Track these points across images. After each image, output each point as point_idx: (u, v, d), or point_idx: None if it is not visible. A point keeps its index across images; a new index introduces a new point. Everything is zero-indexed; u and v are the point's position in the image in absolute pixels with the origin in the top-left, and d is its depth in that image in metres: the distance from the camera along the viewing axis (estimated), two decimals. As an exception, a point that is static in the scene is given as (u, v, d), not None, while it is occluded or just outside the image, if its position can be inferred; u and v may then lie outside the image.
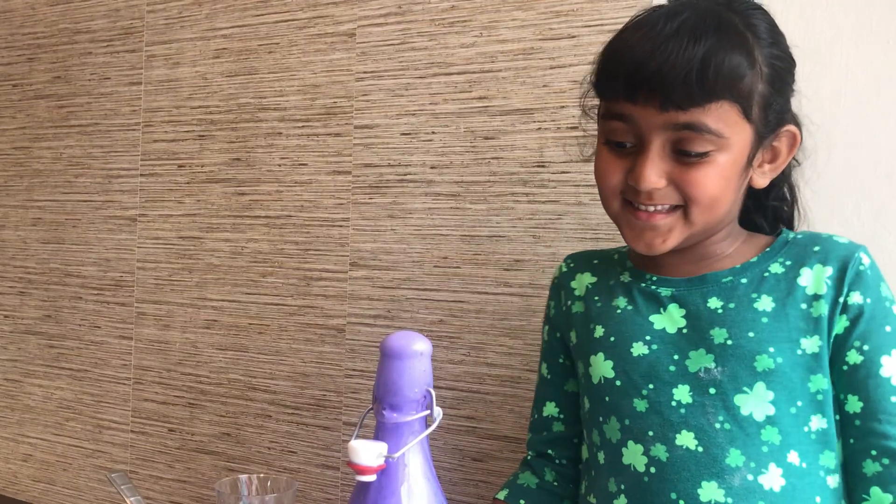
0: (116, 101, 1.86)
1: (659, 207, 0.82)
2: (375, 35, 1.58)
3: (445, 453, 1.52)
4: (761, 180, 0.85)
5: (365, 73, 1.59)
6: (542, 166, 1.44)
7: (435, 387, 1.49)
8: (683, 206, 0.81)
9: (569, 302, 0.98)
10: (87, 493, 1.89)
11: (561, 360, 1.00)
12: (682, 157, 0.79)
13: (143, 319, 1.82)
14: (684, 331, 0.84)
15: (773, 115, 0.82)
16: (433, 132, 1.53)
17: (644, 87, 0.77)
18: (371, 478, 0.59)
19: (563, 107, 1.42)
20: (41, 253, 1.95)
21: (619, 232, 0.94)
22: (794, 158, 0.90)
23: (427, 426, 0.61)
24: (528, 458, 1.08)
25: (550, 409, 1.00)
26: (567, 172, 1.42)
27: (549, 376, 1.01)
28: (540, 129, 1.44)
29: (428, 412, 0.62)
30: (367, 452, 0.59)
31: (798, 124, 0.87)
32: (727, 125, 0.77)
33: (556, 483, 1.01)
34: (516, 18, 1.46)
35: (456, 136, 1.51)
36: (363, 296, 1.59)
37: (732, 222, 0.89)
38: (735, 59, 0.76)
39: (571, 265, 1.03)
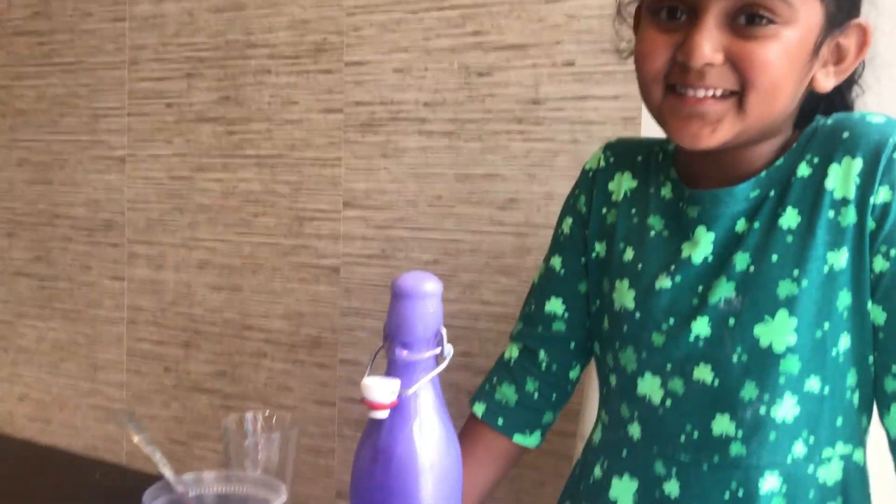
0: (100, 37, 1.82)
1: (710, 92, 0.73)
2: (366, -32, 1.55)
3: (441, 389, 1.53)
4: (825, 82, 0.77)
5: (356, 7, 1.56)
6: (538, 103, 1.42)
7: (430, 325, 1.50)
8: (739, 93, 0.73)
9: (604, 210, 0.90)
10: (84, 432, 1.91)
11: (582, 260, 0.91)
12: (743, 29, 0.71)
13: (135, 260, 1.81)
14: (709, 259, 0.80)
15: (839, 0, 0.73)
16: (426, 69, 1.51)
17: None
18: (384, 414, 0.60)
19: (558, 42, 1.40)
20: (28, 194, 1.93)
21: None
22: (861, 64, 0.81)
23: (438, 364, 0.62)
24: (511, 357, 0.98)
25: (556, 305, 0.93)
26: (562, 110, 1.40)
27: (562, 272, 0.92)
28: (535, 65, 1.42)
29: (439, 350, 0.62)
30: (381, 389, 0.59)
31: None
32: None
33: (536, 396, 0.95)
34: (510, -49, 1.43)
35: (450, 72, 1.49)
36: (357, 235, 1.59)
37: (783, 131, 0.80)
38: None
39: (612, 160, 0.92)
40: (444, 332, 0.62)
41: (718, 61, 0.72)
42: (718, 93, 0.73)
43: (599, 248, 0.90)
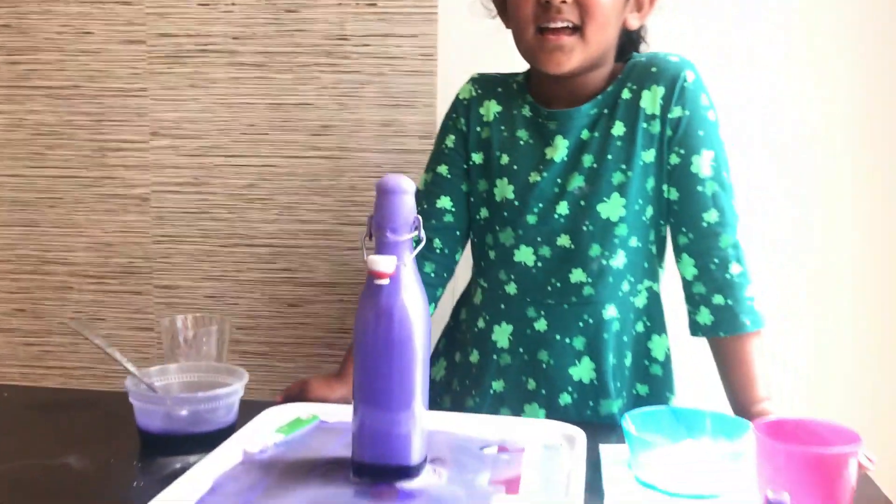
0: None
1: (562, 24, 1.00)
2: None
3: (264, 303, 1.68)
4: (633, 22, 1.08)
5: (154, -60, 1.58)
6: (344, 39, 1.59)
7: (250, 245, 1.63)
8: (581, 28, 1.01)
9: (478, 128, 1.14)
10: None
11: (465, 166, 1.15)
12: None
13: None
14: (565, 159, 1.07)
15: None
16: (233, 3, 1.60)
17: None
18: (386, 281, 0.78)
19: (362, -15, 1.57)
20: None
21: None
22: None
23: (416, 244, 0.81)
24: None
25: (445, 202, 1.14)
26: (368, 45, 1.59)
27: (448, 176, 1.15)
28: (340, 4, 1.58)
29: (416, 233, 0.81)
30: (385, 262, 0.77)
31: None
32: None
33: (433, 275, 1.15)
34: None
35: (257, 7, 1.59)
36: (168, 164, 1.65)
37: (609, 62, 1.09)
38: None
39: (479, 91, 1.16)
40: (420, 219, 0.81)
41: (569, 0, 1.00)
42: (570, 27, 1.02)
43: (476, 157, 1.15)
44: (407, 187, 0.81)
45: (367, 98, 1.60)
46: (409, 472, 0.81)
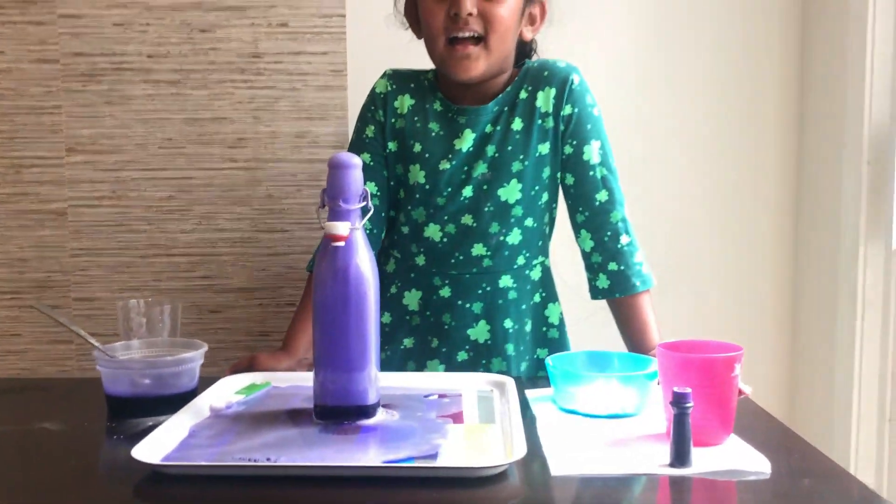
0: None
1: (469, 34, 1.14)
2: (77, -73, 1.64)
3: (184, 312, 1.72)
4: (527, 34, 1.24)
5: (67, -37, 1.65)
6: (258, 57, 1.69)
7: (168, 255, 1.69)
8: (485, 39, 1.15)
9: (392, 120, 1.27)
10: None
11: (383, 153, 1.28)
12: None
13: None
14: (471, 149, 1.22)
15: None
16: (148, 24, 1.67)
17: None
18: (342, 243, 0.89)
19: (272, 6, 1.68)
20: None
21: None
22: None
23: (365, 213, 0.93)
24: None
25: (371, 187, 1.25)
26: (281, 63, 1.69)
27: (371, 163, 1.26)
28: (253, 24, 1.68)
29: (364, 203, 0.93)
30: (341, 226, 0.89)
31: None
32: None
33: None
34: (223, -75, 1.66)
35: (171, 27, 1.68)
36: (84, 179, 1.69)
37: (508, 69, 1.23)
38: None
39: (394, 86, 1.29)
40: (367, 190, 0.93)
41: (475, 13, 1.15)
42: (475, 37, 1.16)
43: (392, 145, 1.28)
44: (356, 162, 0.92)
45: (281, 112, 1.70)
46: (367, 411, 0.92)
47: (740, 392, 0.90)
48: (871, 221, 1.51)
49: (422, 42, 1.26)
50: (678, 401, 0.77)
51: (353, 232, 0.91)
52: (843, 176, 1.58)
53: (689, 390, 0.78)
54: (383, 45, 1.66)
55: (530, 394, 1.05)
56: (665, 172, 1.77)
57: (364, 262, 0.92)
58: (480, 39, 1.17)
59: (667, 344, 0.89)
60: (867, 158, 1.51)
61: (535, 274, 1.29)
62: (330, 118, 1.70)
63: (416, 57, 1.34)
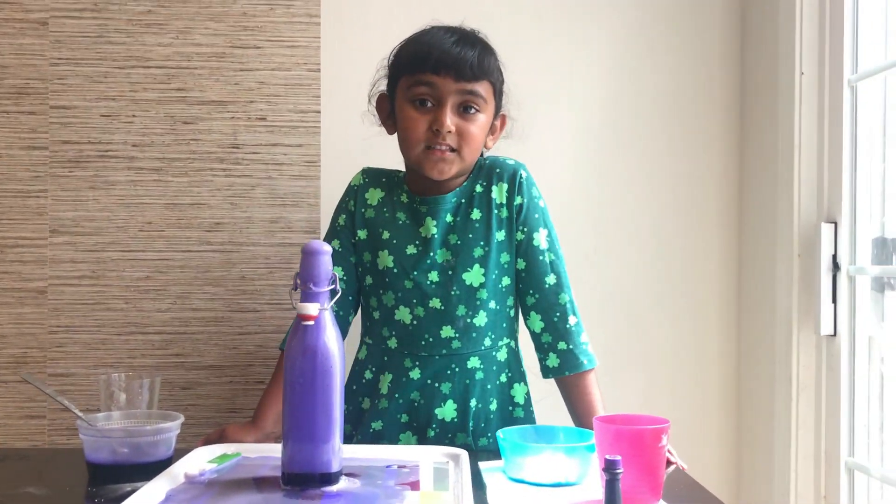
0: None
1: (446, 147, 1.27)
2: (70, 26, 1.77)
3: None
4: (490, 144, 1.37)
5: (60, 59, 1.77)
6: (237, 147, 1.81)
7: (143, 332, 1.77)
8: (458, 150, 1.28)
9: (363, 210, 1.38)
10: None
11: (353, 241, 1.38)
12: (462, 114, 1.27)
13: None
14: (436, 236, 1.34)
15: (500, 99, 1.35)
16: (134, 115, 1.79)
17: (446, 65, 1.25)
18: (311, 322, 0.99)
19: (252, 102, 1.81)
20: None
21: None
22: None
23: (333, 295, 1.03)
24: None
25: (338, 271, 1.34)
26: (258, 153, 1.81)
27: (340, 249, 1.37)
28: (233, 117, 1.81)
29: (334, 285, 1.03)
30: (311, 307, 0.98)
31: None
32: (487, 96, 1.29)
33: None
34: (209, 27, 1.80)
35: (156, 119, 1.79)
36: (66, 259, 1.78)
37: (471, 168, 1.36)
38: (493, 60, 1.32)
39: (367, 180, 1.41)
40: (336, 274, 1.03)
41: (453, 130, 1.28)
42: (451, 148, 1.29)
43: (362, 233, 1.38)
44: (327, 249, 1.03)
45: (256, 198, 1.81)
46: (331, 478, 1.00)
47: (669, 462, 0.99)
48: (802, 309, 1.64)
49: (389, 137, 1.39)
50: (609, 467, 0.86)
51: (321, 312, 1.01)
52: (777, 267, 1.71)
53: (619, 457, 0.87)
54: (355, 139, 1.79)
55: (483, 465, 1.14)
56: (616, 261, 1.89)
57: (331, 339, 1.01)
58: (454, 150, 1.29)
59: (604, 417, 0.99)
60: (797, 251, 1.65)
61: (502, 355, 1.37)
62: (303, 205, 1.82)
63: (384, 151, 1.47)
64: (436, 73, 1.27)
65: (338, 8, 1.85)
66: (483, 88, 1.29)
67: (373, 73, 1.43)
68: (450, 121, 1.27)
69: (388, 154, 1.46)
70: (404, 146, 1.33)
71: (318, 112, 1.82)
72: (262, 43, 1.82)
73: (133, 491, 0.96)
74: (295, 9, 1.82)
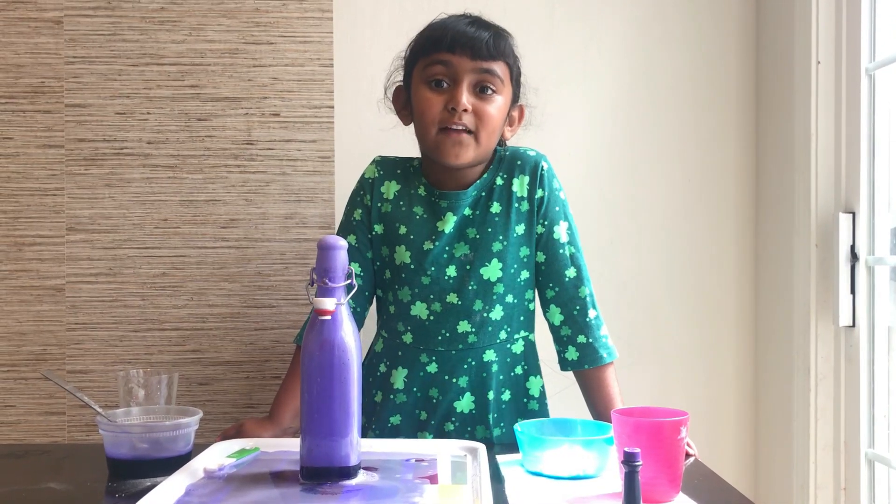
0: None
1: (462, 127, 1.24)
2: (84, 25, 1.78)
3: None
4: (508, 134, 1.35)
5: (74, 57, 1.77)
6: (251, 144, 1.81)
7: (161, 329, 1.77)
8: (475, 133, 1.25)
9: (379, 204, 1.36)
10: None
11: (369, 236, 1.36)
12: (479, 94, 1.25)
13: None
14: (453, 231, 1.33)
15: (517, 88, 1.33)
16: (148, 113, 1.80)
17: (461, 43, 1.24)
18: (328, 317, 0.99)
19: (266, 98, 1.81)
20: None
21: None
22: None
23: (349, 290, 1.02)
24: None
25: (354, 267, 1.25)
26: (272, 149, 1.82)
27: (356, 245, 1.36)
28: (247, 114, 1.81)
29: (349, 280, 1.03)
30: (328, 301, 0.98)
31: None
32: (503, 77, 1.27)
33: None
34: (222, 24, 1.80)
35: (171, 116, 1.80)
36: (83, 257, 1.79)
37: (489, 156, 1.33)
38: (509, 43, 1.30)
39: (381, 172, 1.38)
40: (352, 268, 1.03)
41: (469, 108, 1.26)
42: (468, 129, 1.27)
43: (378, 228, 1.37)
44: (342, 244, 1.03)
45: (271, 194, 1.82)
46: (350, 472, 1.00)
47: (688, 455, 0.99)
48: (820, 300, 1.63)
49: (404, 131, 1.38)
50: (628, 459, 0.86)
51: (338, 307, 1.01)
52: (794, 258, 1.70)
53: (638, 450, 0.87)
54: (368, 134, 1.79)
55: (501, 458, 1.14)
56: (631, 253, 1.88)
57: (348, 334, 1.01)
58: (471, 132, 1.27)
59: (622, 410, 0.99)
60: (815, 241, 1.63)
61: (517, 348, 1.36)
62: (317, 201, 1.82)
63: (398, 146, 1.47)
64: (451, 52, 1.25)
65: (350, 3, 1.85)
66: (500, 68, 1.28)
67: (387, 67, 1.43)
68: (466, 99, 1.25)
69: (402, 149, 1.46)
70: (420, 129, 1.31)
71: (332, 107, 1.82)
72: (274, 39, 1.82)
73: (153, 486, 0.96)
74: (307, 4, 1.81)
